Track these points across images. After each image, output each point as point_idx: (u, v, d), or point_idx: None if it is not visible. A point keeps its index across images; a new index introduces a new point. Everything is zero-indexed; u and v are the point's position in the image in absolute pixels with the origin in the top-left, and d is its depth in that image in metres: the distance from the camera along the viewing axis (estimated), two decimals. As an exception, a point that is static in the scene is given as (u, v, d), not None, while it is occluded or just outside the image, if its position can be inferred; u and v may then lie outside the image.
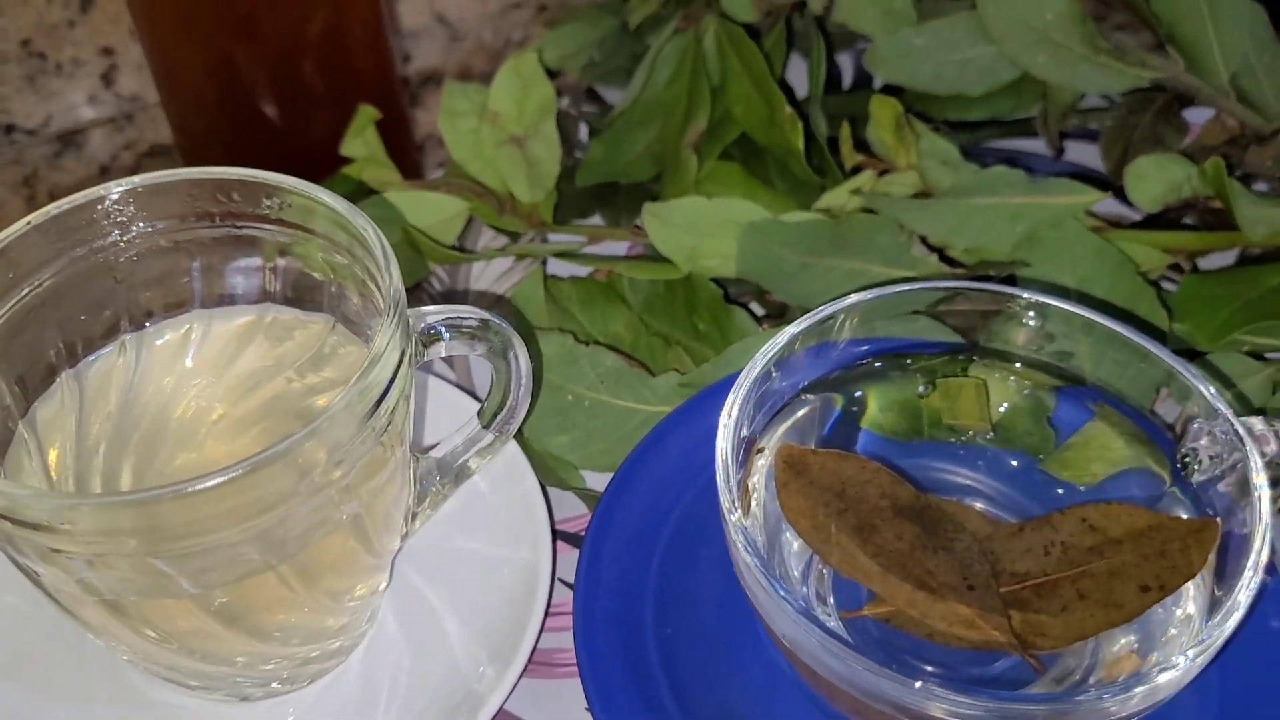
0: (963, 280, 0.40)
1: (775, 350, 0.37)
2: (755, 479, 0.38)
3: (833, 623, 0.38)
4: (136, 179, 0.37)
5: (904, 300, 0.40)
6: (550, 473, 0.46)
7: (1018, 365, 0.42)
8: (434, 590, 0.42)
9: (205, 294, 0.40)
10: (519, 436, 0.46)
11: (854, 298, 0.39)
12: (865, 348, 0.41)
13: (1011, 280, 0.48)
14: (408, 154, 0.64)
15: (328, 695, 0.40)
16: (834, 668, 0.32)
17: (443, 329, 0.38)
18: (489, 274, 0.55)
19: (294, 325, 0.41)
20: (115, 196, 0.37)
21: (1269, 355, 0.47)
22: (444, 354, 0.39)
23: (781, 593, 0.32)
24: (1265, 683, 0.37)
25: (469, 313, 0.39)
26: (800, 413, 0.40)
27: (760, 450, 0.39)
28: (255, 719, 0.39)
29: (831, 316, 0.39)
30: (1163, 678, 0.30)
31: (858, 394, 0.41)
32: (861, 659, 0.31)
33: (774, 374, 0.38)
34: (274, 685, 0.40)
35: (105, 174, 0.70)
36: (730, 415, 0.36)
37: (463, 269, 0.55)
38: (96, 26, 0.71)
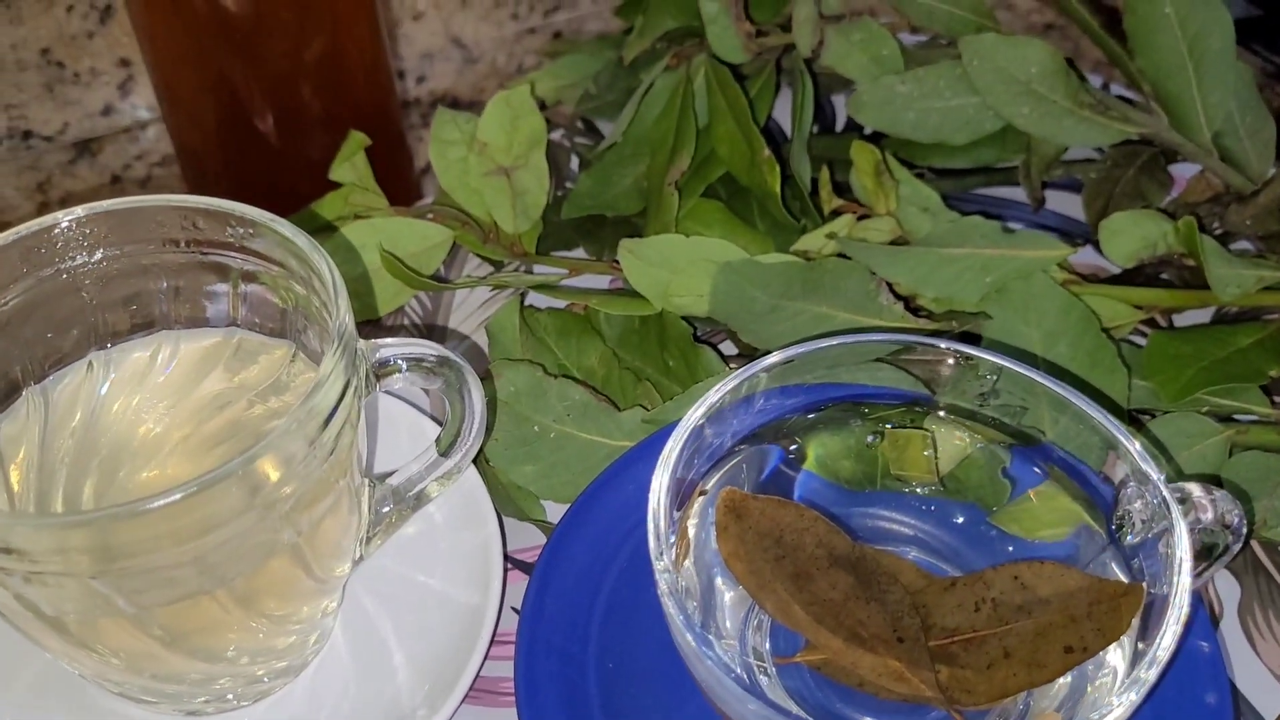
0: (923, 335, 0.40)
1: (722, 394, 0.38)
2: (694, 521, 0.39)
3: (768, 670, 0.38)
4: (104, 204, 0.38)
5: (864, 351, 0.40)
6: (512, 503, 0.47)
7: (972, 420, 0.42)
8: (385, 618, 0.43)
9: (173, 315, 0.41)
10: (485, 465, 0.47)
11: (810, 345, 0.39)
12: (821, 394, 0.42)
13: (975, 332, 0.49)
14: (407, 178, 0.65)
15: (273, 714, 0.41)
16: (740, 712, 0.32)
17: (400, 362, 0.39)
18: (470, 302, 0.56)
19: (258, 349, 0.42)
20: (81, 219, 0.38)
21: (1237, 416, 0.47)
22: (398, 386, 0.40)
23: (700, 643, 0.33)
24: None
25: (426, 348, 0.39)
26: (744, 457, 0.40)
27: (703, 493, 0.39)
28: (201, 734, 0.40)
29: (786, 362, 0.39)
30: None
31: (807, 440, 0.42)
32: (770, 709, 0.31)
33: (722, 417, 0.39)
34: (225, 700, 0.40)
35: (117, 183, 0.72)
36: (670, 458, 0.37)
37: (445, 296, 0.56)
38: (115, 38, 0.72)
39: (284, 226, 0.38)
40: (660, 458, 0.37)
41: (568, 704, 0.39)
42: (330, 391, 0.34)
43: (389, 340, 0.39)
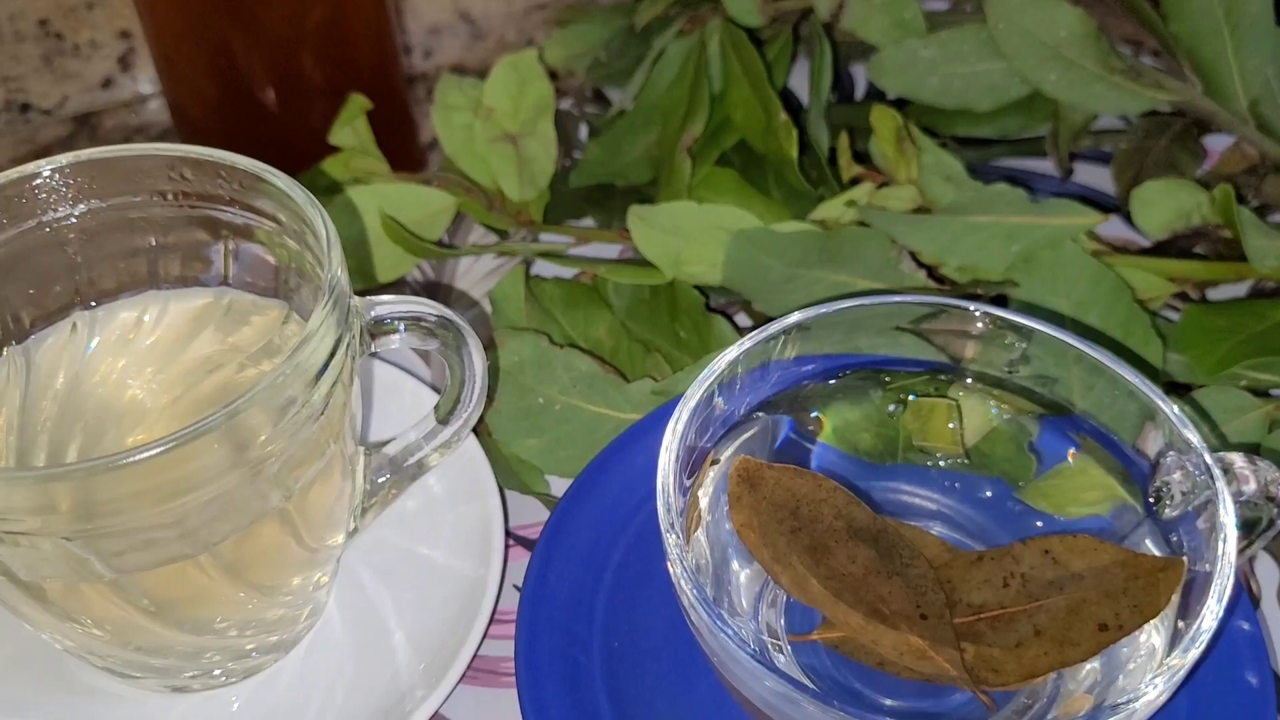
0: (950, 298, 0.38)
1: (737, 356, 0.36)
2: (707, 492, 0.37)
3: (783, 648, 0.36)
4: (87, 152, 0.36)
5: (885, 313, 0.38)
6: (515, 477, 0.45)
7: (999, 389, 0.40)
8: (382, 593, 0.41)
9: (162, 274, 0.40)
10: (487, 438, 0.45)
11: (829, 306, 0.37)
12: (838, 362, 0.40)
13: (1000, 300, 0.46)
14: (413, 152, 0.63)
15: (263, 691, 0.39)
16: (766, 698, 0.30)
17: (396, 321, 0.37)
18: (475, 271, 0.54)
19: (250, 310, 0.40)
20: (63, 168, 0.36)
21: (1272, 392, 0.45)
22: (396, 346, 0.38)
23: (713, 616, 0.31)
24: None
25: (424, 306, 0.37)
26: (760, 427, 0.38)
27: (715, 462, 0.37)
28: (188, 711, 0.38)
29: (802, 325, 0.37)
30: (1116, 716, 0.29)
31: (826, 409, 0.40)
32: (787, 684, 0.29)
33: (736, 383, 0.37)
34: (213, 676, 0.39)
35: (116, 157, 0.70)
36: (680, 423, 0.35)
37: (449, 265, 0.54)
38: (115, 9, 0.71)
39: (277, 177, 0.36)
40: (670, 423, 0.35)
41: (570, 684, 0.37)
42: (320, 347, 0.32)
43: (386, 298, 0.37)
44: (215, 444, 0.30)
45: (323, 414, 0.33)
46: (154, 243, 0.39)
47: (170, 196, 0.38)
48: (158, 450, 0.29)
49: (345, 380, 0.34)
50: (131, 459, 0.29)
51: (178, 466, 0.30)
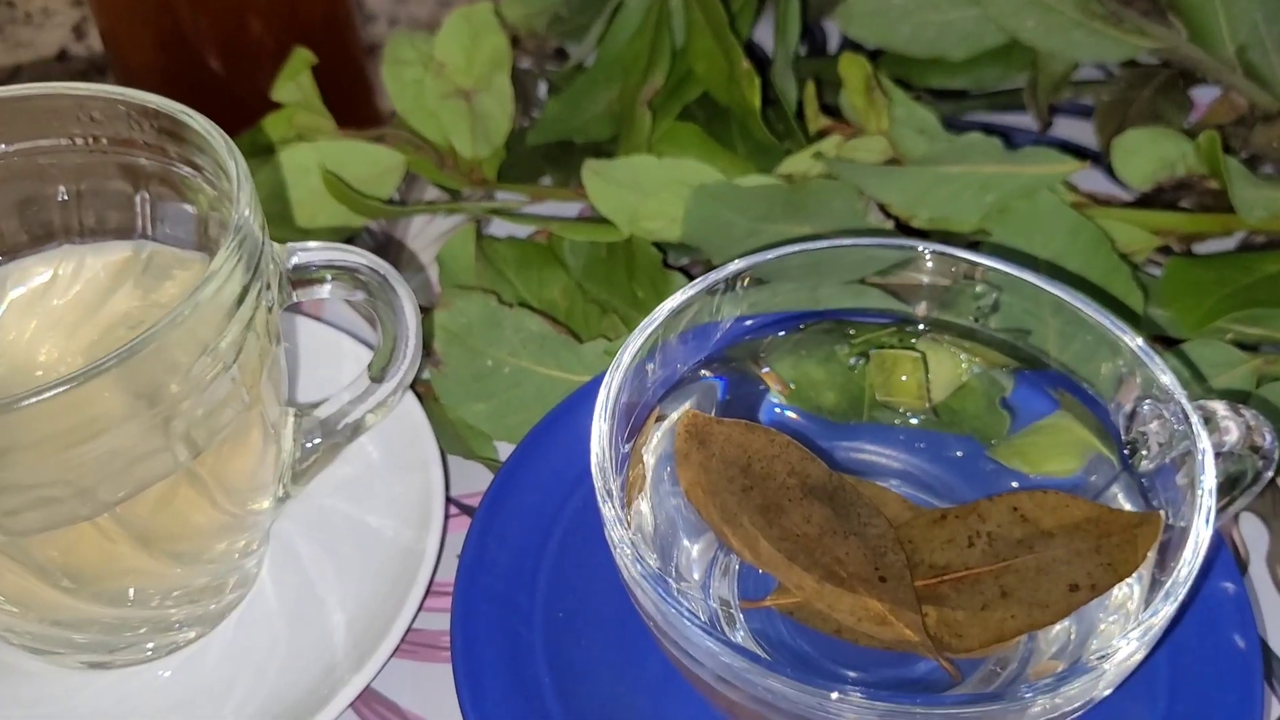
0: (917, 241, 0.36)
1: (681, 303, 0.34)
2: (653, 450, 0.34)
3: (735, 618, 0.34)
4: (-19, 92, 0.34)
5: (841, 257, 0.36)
6: (461, 442, 0.42)
7: (970, 340, 0.38)
8: (315, 563, 0.39)
9: (76, 225, 0.37)
10: (433, 403, 0.43)
11: (777, 251, 0.35)
12: (795, 314, 0.37)
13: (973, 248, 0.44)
14: (368, 113, 0.61)
15: (190, 666, 0.37)
16: (715, 671, 0.28)
17: (322, 270, 0.35)
18: (429, 232, 0.51)
19: (172, 264, 0.37)
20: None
21: (1264, 347, 0.43)
22: (325, 297, 0.35)
23: (656, 585, 0.28)
24: (1220, 704, 0.33)
25: (352, 254, 0.35)
26: (710, 381, 0.36)
27: (661, 418, 0.35)
28: (103, 690, 0.36)
29: (749, 273, 0.35)
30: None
31: (782, 363, 0.37)
32: (734, 654, 0.27)
33: (683, 334, 0.35)
34: (141, 650, 0.36)
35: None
36: (618, 376, 0.32)
37: (400, 226, 0.51)
38: (66, -25, 0.68)
39: (194, 119, 0.34)
40: (606, 375, 0.32)
41: (509, 656, 0.34)
42: (225, 289, 0.30)
43: (310, 244, 0.35)
44: (110, 389, 0.28)
45: (233, 366, 0.31)
46: (66, 191, 0.36)
47: (82, 140, 0.35)
48: (49, 394, 0.27)
49: (260, 330, 0.32)
50: (20, 404, 0.27)
51: (72, 413, 0.28)
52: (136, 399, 0.29)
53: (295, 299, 0.34)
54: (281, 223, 0.47)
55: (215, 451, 0.32)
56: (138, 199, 0.37)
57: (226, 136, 0.33)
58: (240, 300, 0.30)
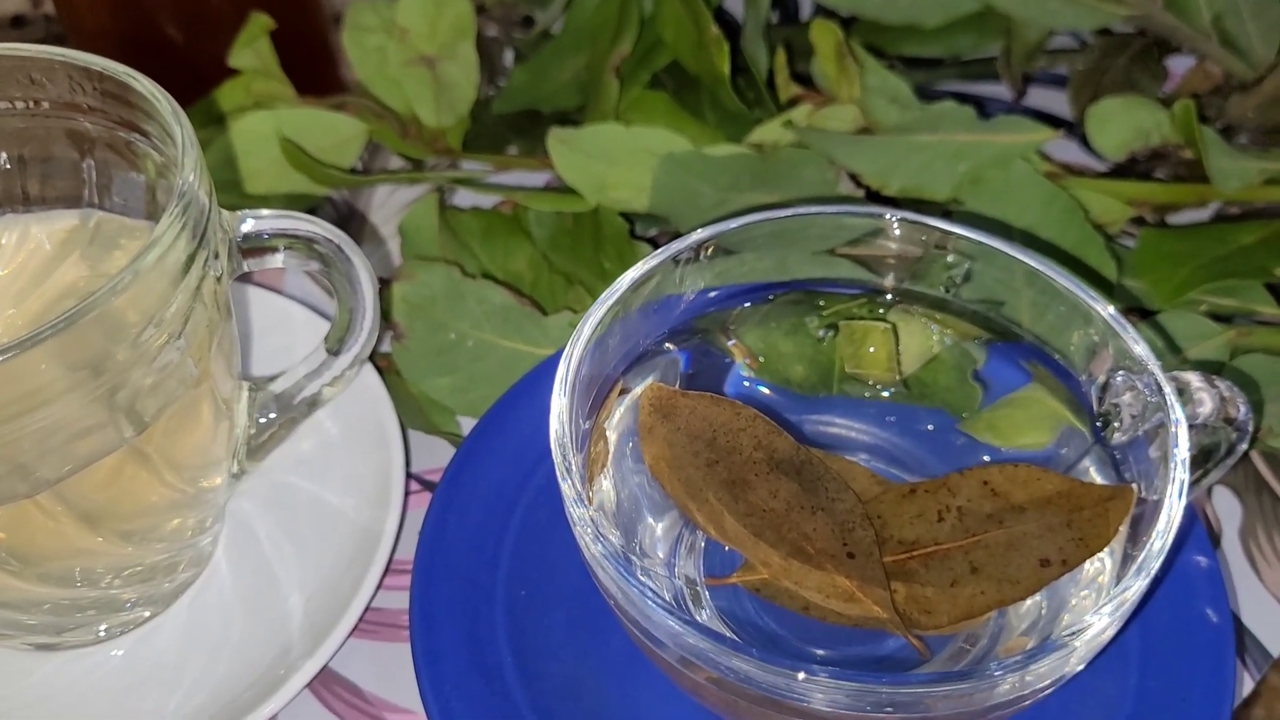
0: (886, 209, 0.35)
1: (642, 274, 0.33)
2: (615, 424, 0.34)
3: (701, 596, 0.33)
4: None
5: (808, 225, 0.35)
6: (423, 417, 0.41)
7: (941, 312, 0.37)
8: (274, 540, 0.38)
9: (19, 194, 0.36)
10: (394, 377, 0.42)
11: (741, 219, 0.34)
12: (762, 285, 0.37)
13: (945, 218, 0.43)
14: (332, 83, 0.59)
15: (141, 648, 0.36)
16: (679, 652, 0.27)
17: (274, 238, 0.34)
18: (392, 203, 0.50)
19: (120, 233, 0.36)
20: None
21: (1238, 319, 0.42)
22: (278, 266, 0.34)
23: (617, 564, 0.27)
24: (1192, 678, 0.32)
25: (305, 223, 0.34)
26: (674, 354, 0.35)
27: (625, 392, 0.34)
28: (56, 669, 0.35)
29: (713, 241, 0.34)
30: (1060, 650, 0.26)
31: (749, 335, 0.36)
32: (698, 633, 0.26)
33: (645, 306, 0.34)
34: (93, 631, 0.35)
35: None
36: (578, 348, 0.31)
37: (363, 198, 0.50)
38: (22, -59, 0.67)
39: (138, 81, 0.32)
40: (566, 349, 0.31)
41: (469, 636, 0.34)
42: (169, 256, 0.29)
43: (262, 211, 0.33)
44: (49, 360, 0.27)
45: (181, 334, 0.30)
46: (8, 158, 0.35)
47: (23, 104, 0.34)
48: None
49: (209, 300, 0.31)
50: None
51: (8, 386, 0.27)
52: (77, 371, 0.28)
53: (246, 268, 0.33)
54: (236, 191, 0.46)
55: (163, 426, 0.31)
56: (84, 166, 0.36)
57: (172, 99, 0.32)
58: (186, 268, 0.29)
